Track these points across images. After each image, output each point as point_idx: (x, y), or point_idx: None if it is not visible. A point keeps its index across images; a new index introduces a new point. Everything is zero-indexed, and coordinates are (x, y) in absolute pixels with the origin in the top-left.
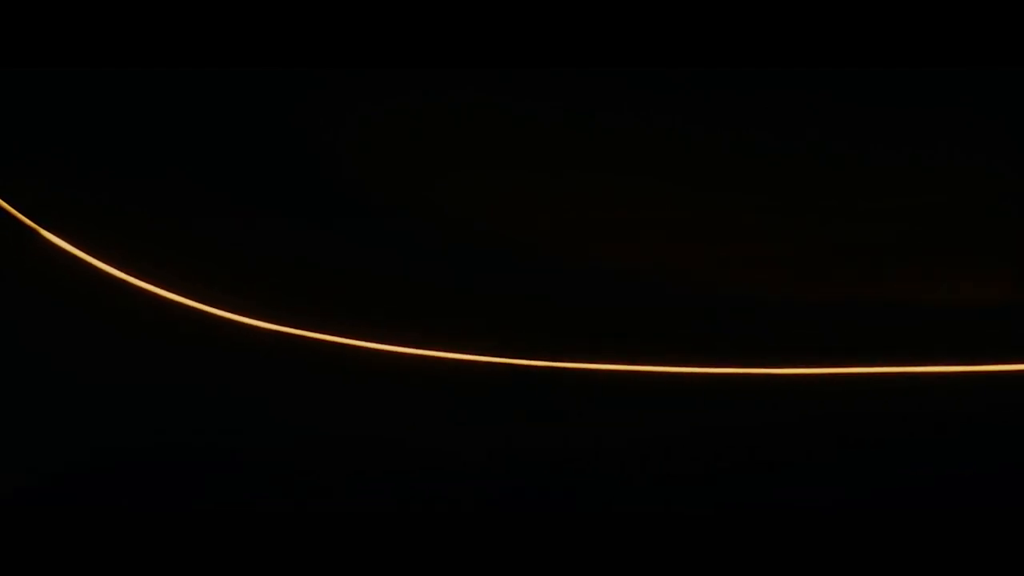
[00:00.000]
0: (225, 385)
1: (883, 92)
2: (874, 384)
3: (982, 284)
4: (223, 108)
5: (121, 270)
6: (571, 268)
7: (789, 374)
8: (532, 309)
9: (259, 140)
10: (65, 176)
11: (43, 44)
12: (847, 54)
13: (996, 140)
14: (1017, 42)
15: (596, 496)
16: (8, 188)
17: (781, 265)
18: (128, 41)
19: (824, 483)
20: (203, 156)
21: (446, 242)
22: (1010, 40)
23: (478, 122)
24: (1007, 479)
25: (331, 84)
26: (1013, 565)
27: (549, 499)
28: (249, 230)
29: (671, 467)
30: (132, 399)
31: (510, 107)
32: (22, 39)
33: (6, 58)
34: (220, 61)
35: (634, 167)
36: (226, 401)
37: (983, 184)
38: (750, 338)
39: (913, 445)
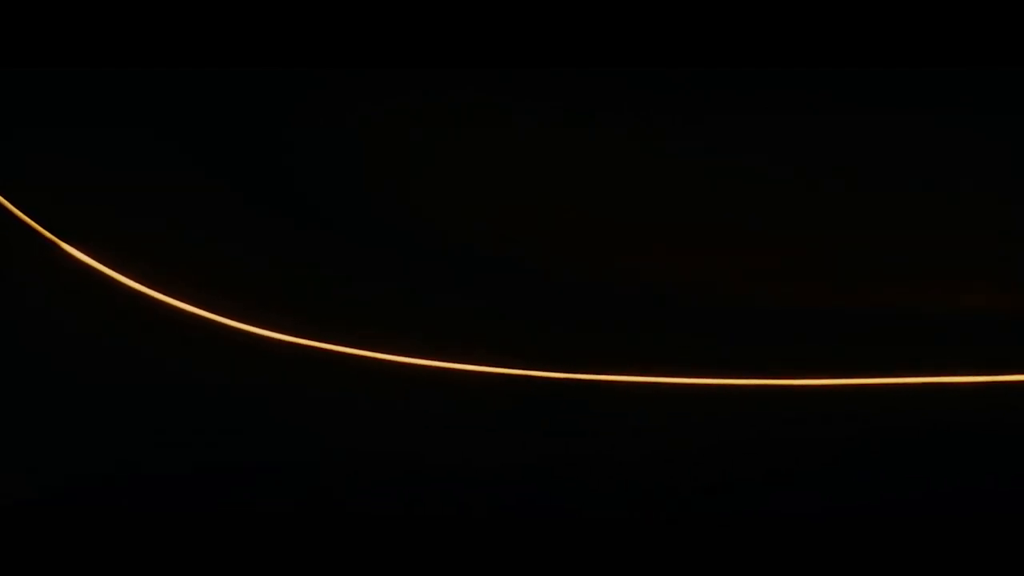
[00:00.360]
0: (233, 391)
1: (883, 92)
2: (878, 393)
3: (986, 290)
4: (223, 108)
5: (117, 271)
6: (571, 269)
7: (795, 385)
8: (530, 310)
9: (259, 140)
10: (64, 176)
11: (43, 44)
12: (847, 54)
13: (996, 140)
14: (1017, 42)
15: (600, 503)
16: (8, 188)
17: (780, 268)
18: (128, 41)
19: (831, 492)
20: (203, 156)
21: (446, 243)
22: (1010, 40)
23: (478, 122)
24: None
25: (331, 84)
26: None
27: (556, 507)
28: (248, 230)
29: (679, 476)
30: (131, 402)
31: (510, 107)
32: (23, 39)
33: (5, 58)
34: (220, 61)
35: (634, 167)
36: (231, 406)
37: (984, 185)
38: (749, 346)
39: (917, 455)
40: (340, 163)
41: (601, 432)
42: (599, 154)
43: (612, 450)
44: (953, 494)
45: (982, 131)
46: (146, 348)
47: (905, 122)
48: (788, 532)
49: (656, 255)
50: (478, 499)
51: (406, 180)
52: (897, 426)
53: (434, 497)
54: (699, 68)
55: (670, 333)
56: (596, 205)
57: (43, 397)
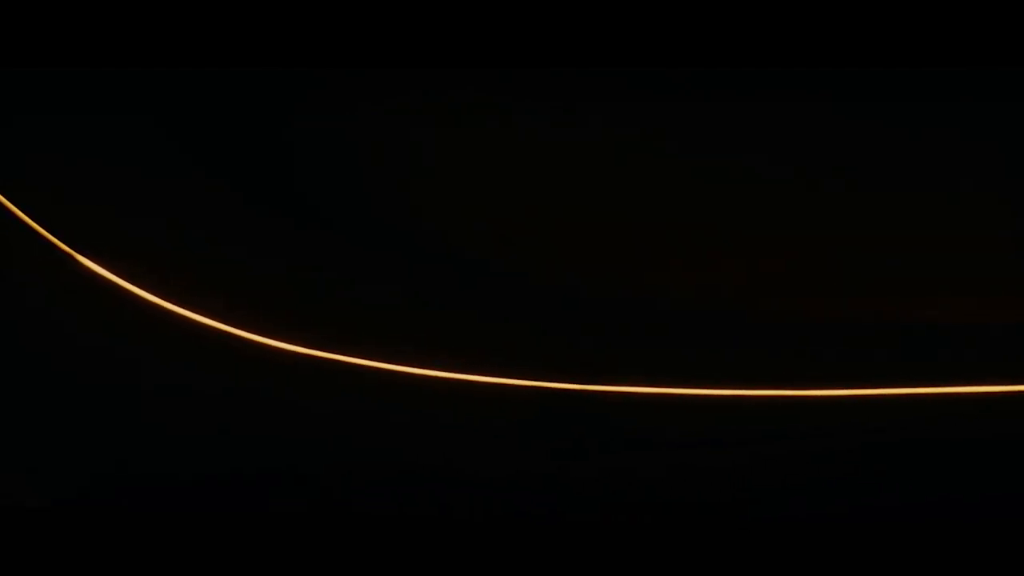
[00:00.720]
0: (231, 392)
1: (883, 92)
2: (887, 403)
3: (992, 297)
4: (223, 108)
5: (116, 272)
6: (571, 270)
7: (801, 395)
8: (528, 311)
9: (259, 140)
10: (64, 177)
11: (43, 44)
12: (847, 54)
13: (999, 140)
14: (1017, 42)
15: (601, 509)
16: (8, 188)
17: (783, 271)
18: (128, 41)
19: (832, 498)
20: (203, 156)
21: (446, 243)
22: (1010, 40)
23: (478, 122)
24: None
25: (331, 84)
26: None
27: (556, 512)
28: (248, 231)
29: (678, 481)
30: (129, 404)
31: (510, 107)
32: (23, 39)
33: (5, 58)
34: (220, 61)
35: (635, 168)
36: (230, 407)
37: (984, 187)
38: (750, 353)
39: (921, 464)
40: (340, 163)
41: (603, 440)
42: (599, 154)
43: (613, 457)
44: (958, 504)
45: (983, 132)
46: (145, 349)
47: (905, 122)
48: (787, 537)
49: (657, 255)
50: (481, 505)
51: (406, 180)
52: (903, 436)
53: (435, 502)
54: (699, 68)
55: (671, 336)
56: (596, 205)
57: (43, 399)
